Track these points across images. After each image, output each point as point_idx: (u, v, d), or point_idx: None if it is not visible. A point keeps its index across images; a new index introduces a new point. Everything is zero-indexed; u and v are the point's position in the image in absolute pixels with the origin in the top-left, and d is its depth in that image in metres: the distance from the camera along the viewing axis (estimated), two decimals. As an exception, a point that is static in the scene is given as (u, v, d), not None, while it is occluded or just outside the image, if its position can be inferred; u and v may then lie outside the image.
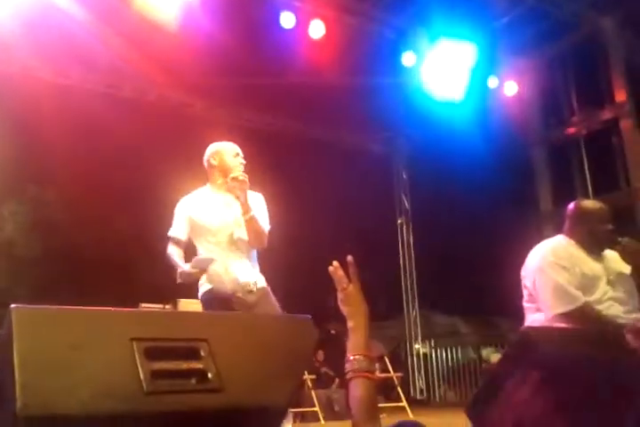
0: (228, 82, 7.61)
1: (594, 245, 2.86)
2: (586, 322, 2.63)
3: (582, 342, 2.19)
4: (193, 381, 1.30)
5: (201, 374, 1.31)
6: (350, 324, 1.55)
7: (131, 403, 1.19)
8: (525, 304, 2.92)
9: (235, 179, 3.01)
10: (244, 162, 3.17)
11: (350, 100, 8.15)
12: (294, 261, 9.26)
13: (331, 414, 6.33)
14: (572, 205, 2.96)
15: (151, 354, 1.28)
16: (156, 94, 8.09)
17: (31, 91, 7.09)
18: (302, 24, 6.64)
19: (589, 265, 2.78)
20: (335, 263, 1.64)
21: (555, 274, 2.73)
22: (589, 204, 2.94)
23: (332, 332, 8.59)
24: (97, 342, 1.25)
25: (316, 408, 5.96)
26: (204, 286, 3.09)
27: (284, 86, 7.66)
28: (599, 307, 2.69)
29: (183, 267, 2.94)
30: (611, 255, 2.92)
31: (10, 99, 6.90)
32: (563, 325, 2.66)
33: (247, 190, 3.02)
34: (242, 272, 3.05)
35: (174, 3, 6.08)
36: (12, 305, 1.21)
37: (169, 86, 7.96)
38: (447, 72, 7.23)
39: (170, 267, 3.05)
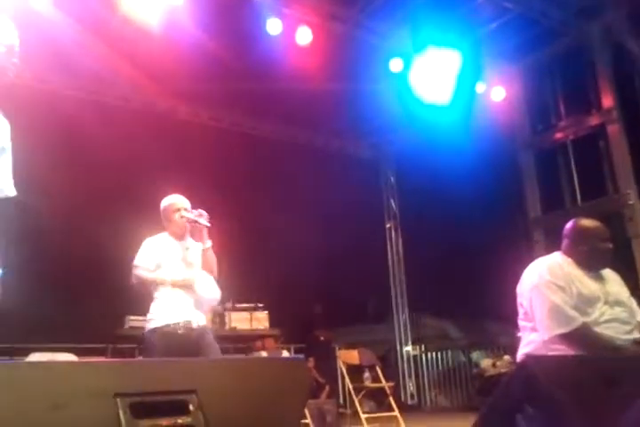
0: (214, 87, 7.53)
1: (593, 265, 2.82)
2: (583, 344, 2.58)
3: (581, 371, 2.15)
4: (182, 438, 1.23)
5: (190, 431, 1.24)
6: None
7: (115, 470, 1.12)
8: (521, 323, 2.87)
9: (197, 217, 3.47)
10: (182, 214, 3.53)
11: (337, 106, 8.11)
12: (282, 269, 9.19)
13: (323, 426, 6.25)
14: (570, 224, 2.92)
15: (136, 411, 1.20)
16: (140, 101, 7.99)
17: (12, 95, 6.95)
18: (289, 30, 6.57)
19: (587, 285, 2.73)
20: None
21: (551, 294, 2.68)
22: (588, 223, 2.90)
23: (322, 338, 8.53)
24: (79, 399, 1.17)
25: (308, 420, 5.88)
26: (151, 322, 3.37)
27: (270, 92, 7.59)
28: (596, 328, 2.64)
29: (169, 279, 3.37)
30: (610, 276, 2.88)
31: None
32: (560, 346, 2.61)
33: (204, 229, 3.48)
34: (188, 310, 3.38)
35: (160, 8, 5.97)
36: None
37: (154, 92, 7.86)
38: (434, 77, 7.19)
39: (147, 283, 3.39)
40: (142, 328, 6.11)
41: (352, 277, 10.65)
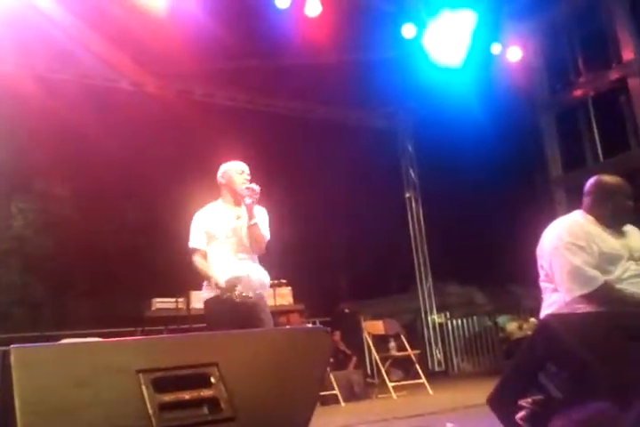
0: (226, 66, 7.47)
1: (616, 222, 2.77)
2: (606, 302, 2.56)
3: (604, 327, 2.14)
4: (204, 410, 1.25)
5: (212, 403, 1.26)
6: None
7: (141, 443, 1.15)
8: (542, 284, 2.85)
9: (249, 188, 3.34)
10: (248, 178, 3.48)
11: (350, 77, 8.00)
12: (304, 241, 9.24)
13: (351, 396, 6.34)
14: (592, 181, 2.86)
15: (159, 385, 1.22)
16: (154, 85, 7.96)
17: (28, 87, 7.00)
18: (298, 3, 6.45)
19: (608, 242, 2.69)
20: None
21: (570, 255, 2.64)
22: (612, 179, 2.84)
23: (347, 311, 8.59)
24: (103, 377, 1.20)
25: (336, 391, 5.96)
26: (210, 292, 3.31)
27: (282, 67, 7.52)
28: (620, 285, 2.60)
29: (217, 279, 3.25)
30: (633, 231, 2.84)
31: (6, 96, 6.81)
32: (583, 306, 2.59)
33: (255, 200, 3.35)
34: (247, 273, 3.33)
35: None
36: (11, 346, 1.15)
37: (166, 75, 7.83)
38: (449, 40, 7.04)
39: (200, 275, 3.39)
40: (169, 310, 6.21)
41: (374, 248, 10.64)
